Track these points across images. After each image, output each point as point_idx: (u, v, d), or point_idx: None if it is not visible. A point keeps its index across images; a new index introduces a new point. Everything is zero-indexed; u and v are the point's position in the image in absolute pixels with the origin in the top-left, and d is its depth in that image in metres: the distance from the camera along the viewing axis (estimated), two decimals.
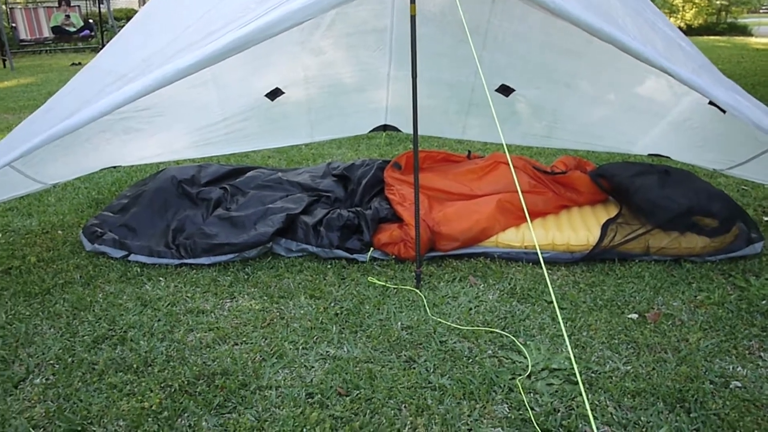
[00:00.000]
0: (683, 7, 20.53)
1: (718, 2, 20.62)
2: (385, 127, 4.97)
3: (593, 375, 2.45)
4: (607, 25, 2.73)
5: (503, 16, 3.78)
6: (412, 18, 3.01)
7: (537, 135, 4.61)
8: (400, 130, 5.01)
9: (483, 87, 4.18)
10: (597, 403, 2.30)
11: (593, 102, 4.26)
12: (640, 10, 3.16)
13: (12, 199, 4.11)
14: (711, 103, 3.24)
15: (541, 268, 3.36)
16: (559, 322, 2.14)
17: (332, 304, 2.99)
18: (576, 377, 2.43)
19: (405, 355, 2.58)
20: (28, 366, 2.54)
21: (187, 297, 3.07)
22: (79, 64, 12.12)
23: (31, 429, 2.20)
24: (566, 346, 2.05)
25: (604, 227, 3.42)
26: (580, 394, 2.34)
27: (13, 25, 13.25)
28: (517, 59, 4.12)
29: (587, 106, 4.28)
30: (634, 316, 2.87)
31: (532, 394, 2.35)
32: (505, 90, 4.30)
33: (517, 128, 4.62)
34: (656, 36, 3.02)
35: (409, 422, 2.21)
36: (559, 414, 2.25)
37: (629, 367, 2.50)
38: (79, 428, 2.20)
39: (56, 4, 14.14)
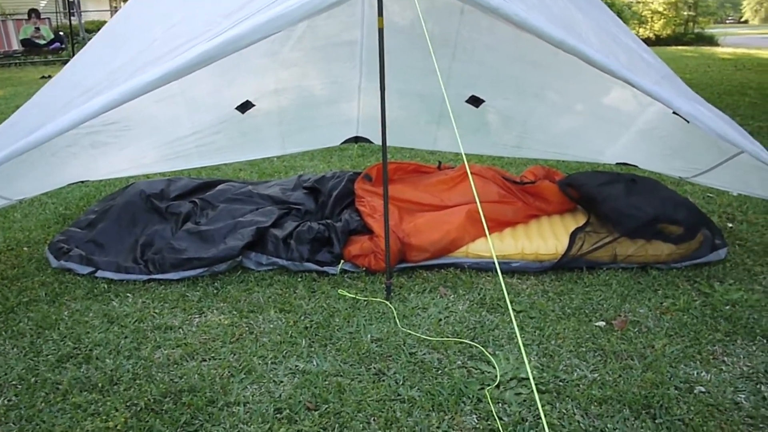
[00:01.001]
0: (652, 18, 20.98)
1: (685, 13, 21.12)
2: (356, 139, 4.99)
3: (561, 383, 2.47)
4: (571, 37, 2.78)
5: (472, 28, 3.82)
6: (380, 31, 3.03)
7: (507, 145, 4.66)
8: (372, 142, 5.03)
9: (453, 98, 4.22)
10: (564, 411, 2.32)
11: (562, 112, 4.32)
12: (602, 24, 3.22)
13: None
14: (675, 112, 3.30)
15: (511, 277, 3.39)
16: (515, 332, 2.16)
17: (302, 318, 2.97)
18: (543, 385, 2.45)
19: (374, 368, 2.58)
20: None
21: (155, 313, 3.03)
22: (49, 77, 11.93)
23: None
24: (525, 354, 2.07)
25: (573, 236, 3.46)
26: (548, 404, 2.35)
27: None
28: (487, 70, 4.16)
29: (556, 117, 4.35)
30: (602, 323, 2.91)
31: (500, 404, 2.36)
32: (475, 101, 4.34)
33: (487, 138, 4.67)
34: (619, 48, 3.07)
35: None
36: (527, 423, 2.26)
37: (596, 375, 2.52)
38: None
39: (26, 17, 13.97)
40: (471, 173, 3.98)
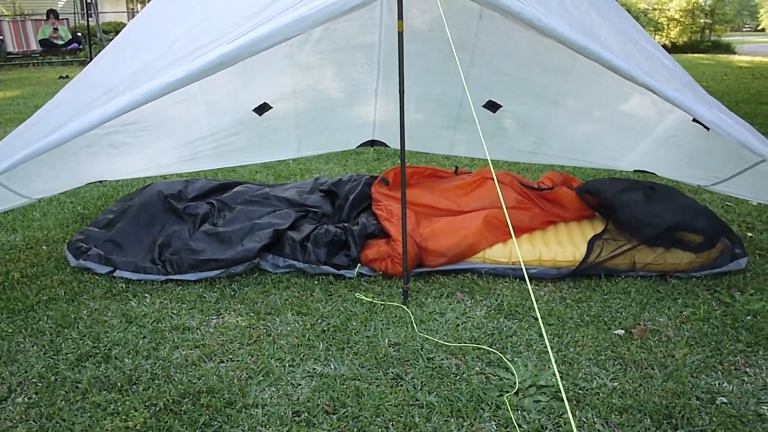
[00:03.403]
0: (668, 25, 20.84)
1: (701, 21, 20.96)
2: (372, 143, 4.99)
3: (580, 392, 2.45)
4: (592, 43, 2.76)
5: (490, 33, 3.81)
6: (400, 35, 3.03)
7: (524, 151, 4.64)
8: (387, 146, 5.03)
9: (470, 103, 4.22)
10: (584, 420, 2.30)
11: (580, 119, 4.30)
12: (624, 30, 3.20)
13: None
14: (695, 120, 3.27)
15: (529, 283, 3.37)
16: (541, 338, 2.14)
17: (319, 321, 2.97)
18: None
19: (392, 372, 2.57)
20: (10, 385, 2.50)
21: (173, 314, 3.04)
22: (67, 77, 12.06)
23: None
24: (552, 363, 2.05)
25: (591, 243, 3.44)
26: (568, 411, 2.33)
27: (1, 37, 13.20)
28: (505, 75, 4.15)
29: (574, 123, 4.32)
30: (621, 332, 2.88)
31: (519, 411, 2.34)
32: (492, 106, 4.32)
33: (504, 144, 4.65)
34: (640, 54, 3.06)
35: None
36: (547, 431, 2.24)
37: (616, 384, 2.50)
38: None
39: (44, 17, 14.10)
40: (489, 178, 4.00)
